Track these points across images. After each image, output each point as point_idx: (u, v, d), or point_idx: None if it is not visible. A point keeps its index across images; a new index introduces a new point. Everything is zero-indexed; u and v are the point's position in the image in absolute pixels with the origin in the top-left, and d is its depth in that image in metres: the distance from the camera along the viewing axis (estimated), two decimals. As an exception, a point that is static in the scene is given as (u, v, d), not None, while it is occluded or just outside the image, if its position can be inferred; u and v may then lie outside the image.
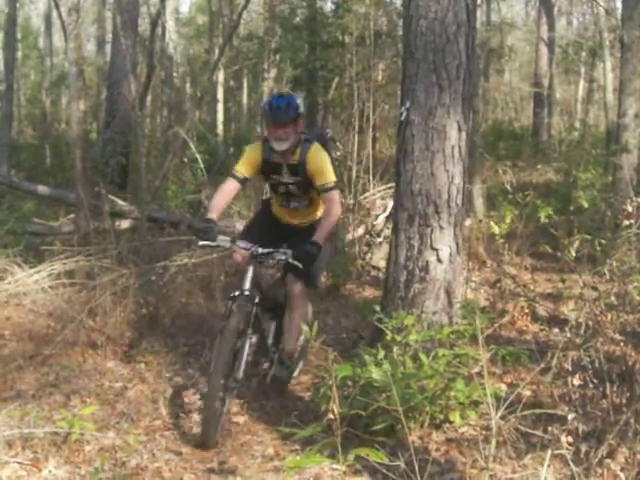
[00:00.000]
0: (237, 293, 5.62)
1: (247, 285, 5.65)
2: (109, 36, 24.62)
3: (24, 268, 8.67)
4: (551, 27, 22.31)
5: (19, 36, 26.00)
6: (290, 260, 5.61)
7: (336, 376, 4.38)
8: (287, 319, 6.15)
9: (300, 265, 5.59)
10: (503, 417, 3.96)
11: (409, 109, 6.15)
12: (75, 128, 11.25)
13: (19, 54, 28.44)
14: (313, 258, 5.63)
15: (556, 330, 7.31)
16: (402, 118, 6.22)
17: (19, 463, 4.86)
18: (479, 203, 12.49)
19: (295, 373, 6.49)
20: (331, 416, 3.69)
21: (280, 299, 6.24)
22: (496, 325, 6.46)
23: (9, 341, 7.25)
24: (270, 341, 6.25)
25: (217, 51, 20.01)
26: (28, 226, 10.97)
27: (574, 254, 7.14)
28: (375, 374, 4.96)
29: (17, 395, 6.00)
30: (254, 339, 5.94)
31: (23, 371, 6.47)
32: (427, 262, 6.12)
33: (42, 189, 12.82)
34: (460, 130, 6.09)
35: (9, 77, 17.78)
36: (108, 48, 24.42)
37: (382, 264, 9.29)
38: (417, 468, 3.77)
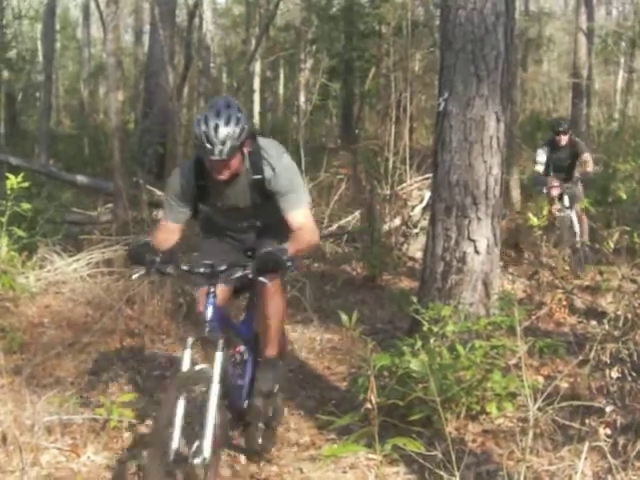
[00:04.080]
0: None
1: None
2: (147, 27, 24.73)
3: (63, 257, 8.77)
4: (590, 17, 22.03)
5: (58, 27, 26.09)
6: None
7: (374, 366, 4.39)
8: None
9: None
10: (540, 409, 3.94)
11: (447, 100, 6.13)
12: (114, 119, 11.34)
13: (58, 45, 28.56)
14: None
15: (594, 322, 7.27)
16: (440, 109, 6.21)
17: (58, 449, 4.92)
18: (515, 194, 12.43)
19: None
20: (369, 406, 3.69)
21: None
22: (534, 317, 6.42)
23: (48, 329, 7.34)
24: None
25: (254, 42, 20.07)
26: (67, 215, 11.06)
27: (612, 246, 7.08)
28: (413, 364, 4.96)
29: (56, 382, 6.07)
30: None
31: (62, 358, 6.54)
32: (464, 253, 6.09)
33: (81, 179, 12.96)
34: (498, 121, 6.06)
35: (48, 68, 17.92)
36: (146, 39, 24.53)
37: (418, 255, 9.29)
38: (454, 458, 3.77)
